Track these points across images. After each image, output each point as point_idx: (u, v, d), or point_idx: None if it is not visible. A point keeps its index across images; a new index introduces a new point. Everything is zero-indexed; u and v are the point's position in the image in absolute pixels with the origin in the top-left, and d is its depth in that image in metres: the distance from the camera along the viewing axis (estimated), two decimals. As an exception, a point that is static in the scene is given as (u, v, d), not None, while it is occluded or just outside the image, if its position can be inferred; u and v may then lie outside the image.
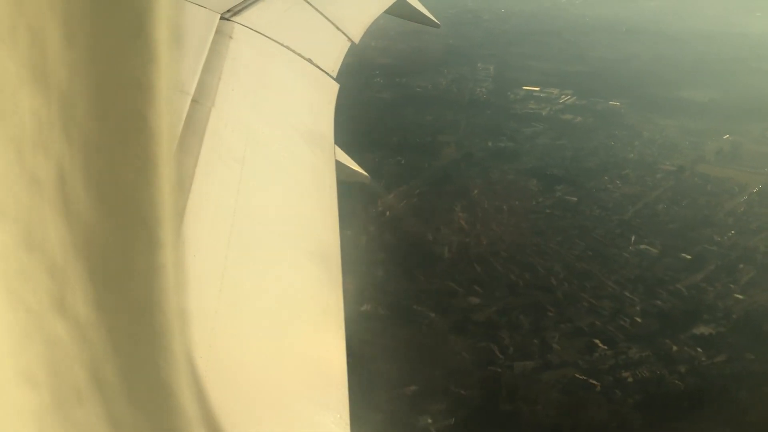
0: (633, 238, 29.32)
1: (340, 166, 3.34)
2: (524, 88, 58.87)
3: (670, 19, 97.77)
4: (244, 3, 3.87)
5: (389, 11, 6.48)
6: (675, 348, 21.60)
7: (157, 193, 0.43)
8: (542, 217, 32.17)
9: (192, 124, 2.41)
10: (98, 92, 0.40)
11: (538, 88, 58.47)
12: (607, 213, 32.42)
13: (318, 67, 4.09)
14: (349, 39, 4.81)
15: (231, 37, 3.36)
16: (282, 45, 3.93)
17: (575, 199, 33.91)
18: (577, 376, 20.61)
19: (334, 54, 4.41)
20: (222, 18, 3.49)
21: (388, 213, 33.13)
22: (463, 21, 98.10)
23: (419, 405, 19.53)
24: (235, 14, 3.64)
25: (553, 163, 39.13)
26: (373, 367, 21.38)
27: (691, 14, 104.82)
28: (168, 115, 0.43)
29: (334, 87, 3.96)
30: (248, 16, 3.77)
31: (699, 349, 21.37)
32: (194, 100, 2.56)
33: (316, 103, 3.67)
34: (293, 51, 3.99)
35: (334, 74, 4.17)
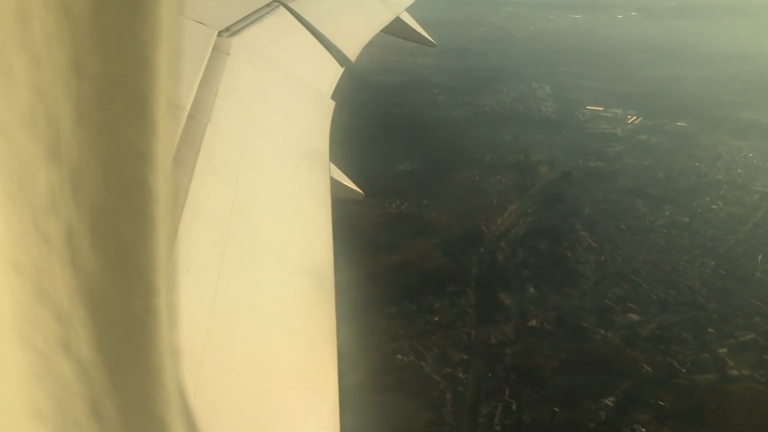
0: (759, 258, 30.87)
1: (334, 184, 3.35)
2: (588, 107, 60.74)
3: (699, 40, 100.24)
4: (242, 22, 3.93)
5: (386, 30, 6.56)
6: None
7: (154, 246, 0.50)
8: (662, 237, 33.72)
9: (188, 140, 2.43)
10: (104, 163, 0.46)
11: (601, 108, 60.29)
12: (720, 233, 34.00)
13: (314, 85, 4.13)
14: (346, 58, 4.87)
15: (228, 54, 3.39)
16: (278, 63, 3.98)
17: (687, 219, 35.49)
18: (762, 389, 22.03)
19: (330, 73, 4.48)
20: (219, 35, 3.53)
21: (512, 230, 34.59)
22: (496, 39, 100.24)
23: (626, 415, 20.89)
24: (233, 34, 3.68)
25: (650, 183, 40.79)
26: (564, 379, 22.75)
27: (717, 35, 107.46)
28: (166, 177, 0.50)
29: (330, 105, 4.00)
30: (246, 35, 3.81)
31: None
32: (190, 116, 2.58)
33: (312, 121, 3.69)
34: (289, 69, 4.06)
35: (330, 92, 4.21)
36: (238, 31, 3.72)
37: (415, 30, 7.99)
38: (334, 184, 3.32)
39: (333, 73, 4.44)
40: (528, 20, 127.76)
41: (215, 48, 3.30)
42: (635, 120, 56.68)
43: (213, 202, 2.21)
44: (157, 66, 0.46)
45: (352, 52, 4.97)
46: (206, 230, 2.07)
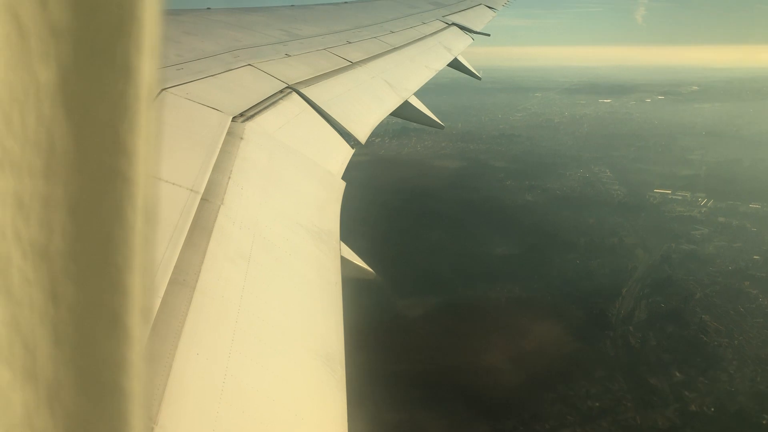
0: None
1: (345, 263, 3.40)
2: (656, 191, 62.86)
3: (737, 122, 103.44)
4: (256, 108, 4.10)
5: (395, 113, 6.78)
6: None
7: (131, 370, 0.51)
8: (782, 320, 34.51)
9: (200, 222, 2.51)
10: (80, 375, 0.47)
11: (669, 192, 62.36)
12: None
13: (325, 166, 4.26)
14: (356, 140, 5.06)
15: (242, 138, 3.52)
16: (290, 146, 4.10)
17: (801, 302, 36.33)
18: None
19: (341, 155, 4.63)
20: (234, 120, 3.70)
21: (635, 314, 35.56)
22: (537, 124, 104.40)
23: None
24: (247, 119, 3.83)
25: (750, 265, 42.10)
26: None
27: (754, 117, 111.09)
28: (140, 379, 0.52)
29: (341, 185, 4.12)
30: (259, 120, 3.95)
31: None
32: (204, 199, 2.65)
33: (323, 202, 3.78)
34: (301, 152, 4.18)
35: (341, 173, 4.33)
36: (251, 117, 3.91)
37: (423, 113, 8.38)
38: (346, 264, 3.41)
39: (344, 155, 4.67)
40: (561, 105, 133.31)
41: (229, 133, 3.48)
42: (707, 203, 58.48)
43: (224, 284, 2.28)
44: (131, 285, 0.49)
45: (362, 134, 5.21)
46: (217, 312, 2.12)
